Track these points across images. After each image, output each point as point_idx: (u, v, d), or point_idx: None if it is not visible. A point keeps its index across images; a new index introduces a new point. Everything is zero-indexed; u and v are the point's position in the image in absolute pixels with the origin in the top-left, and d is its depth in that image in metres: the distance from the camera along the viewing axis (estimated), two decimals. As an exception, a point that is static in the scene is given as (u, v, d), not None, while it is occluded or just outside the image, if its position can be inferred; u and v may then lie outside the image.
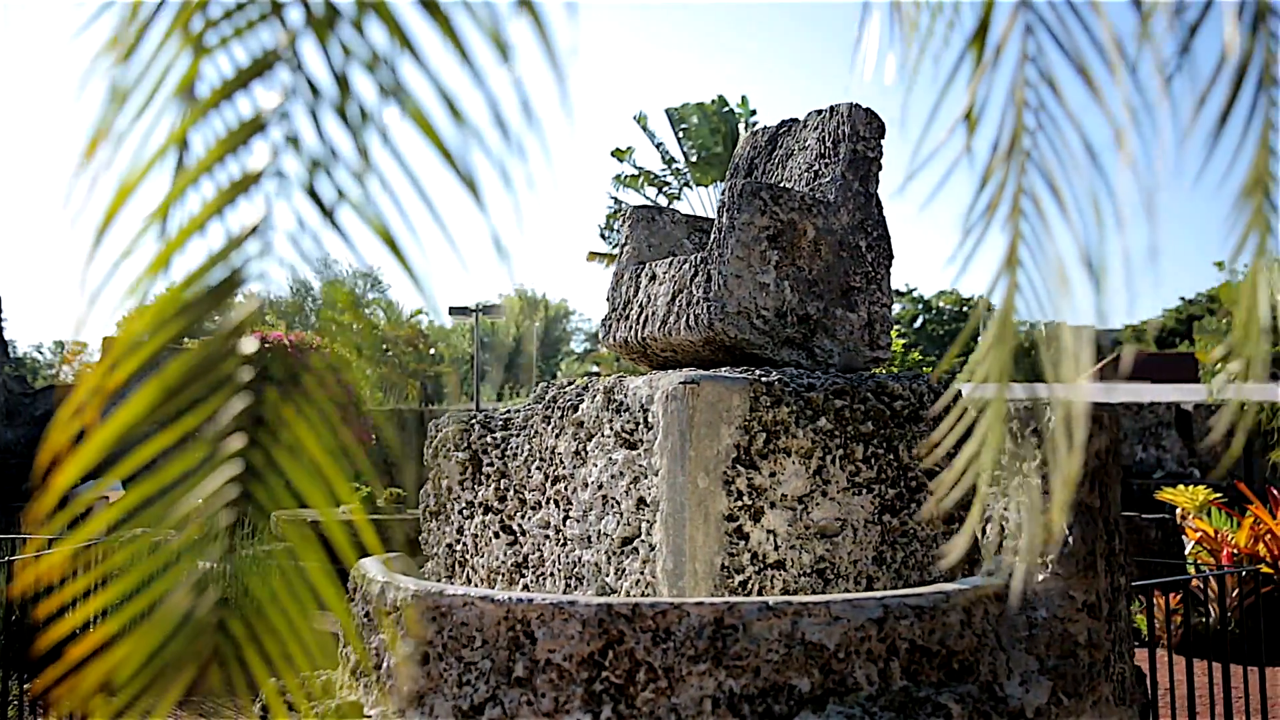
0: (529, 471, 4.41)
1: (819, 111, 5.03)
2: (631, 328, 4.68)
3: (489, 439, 4.61)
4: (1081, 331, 0.90)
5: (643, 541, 3.83)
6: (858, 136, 4.77)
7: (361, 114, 0.90)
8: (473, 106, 0.82)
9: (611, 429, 4.01)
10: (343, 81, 0.90)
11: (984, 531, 3.08)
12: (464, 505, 4.69)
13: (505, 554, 4.47)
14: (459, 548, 4.70)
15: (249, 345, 0.92)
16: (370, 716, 2.88)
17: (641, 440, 3.88)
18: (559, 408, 4.32)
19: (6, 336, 16.74)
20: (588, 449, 4.14)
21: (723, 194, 4.49)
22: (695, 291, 4.39)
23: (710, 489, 3.70)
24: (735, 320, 4.25)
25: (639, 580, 3.83)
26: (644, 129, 22.14)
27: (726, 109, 22.19)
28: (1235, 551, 8.50)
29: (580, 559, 4.11)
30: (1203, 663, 6.55)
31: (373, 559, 3.50)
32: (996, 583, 2.96)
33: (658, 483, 3.74)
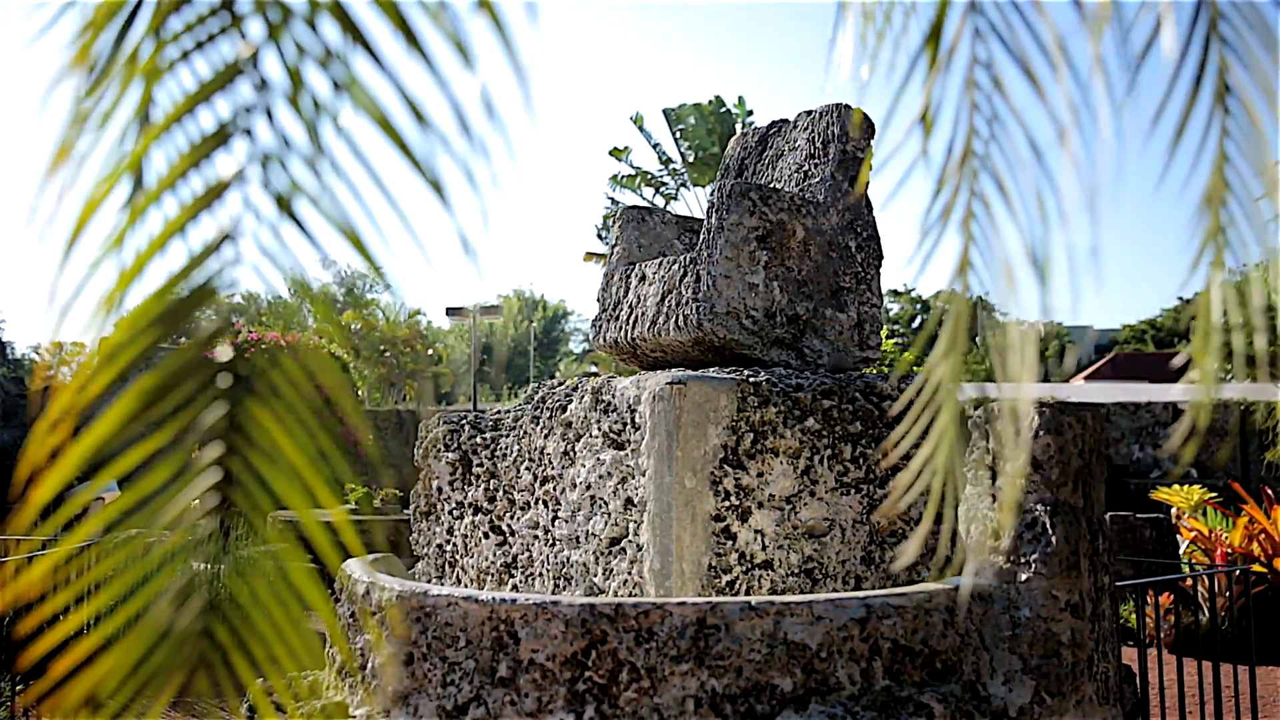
0: (518, 472, 4.41)
1: (809, 112, 5.04)
2: (621, 328, 4.68)
3: (479, 439, 4.62)
4: (1027, 328, 0.91)
5: (630, 542, 3.84)
6: (847, 137, 4.78)
7: (317, 108, 0.90)
8: (436, 107, 0.83)
9: (599, 429, 4.01)
10: (295, 76, 0.91)
11: (967, 531, 3.09)
12: (454, 506, 4.70)
13: (495, 554, 4.48)
14: (449, 548, 4.71)
15: (224, 352, 0.93)
16: (355, 717, 2.88)
17: (629, 441, 3.89)
18: (548, 408, 4.32)
19: (5, 338, 16.76)
20: (576, 449, 4.15)
21: (711, 194, 4.50)
22: (684, 292, 4.40)
23: (697, 489, 3.70)
24: (724, 321, 4.26)
25: (627, 580, 3.83)
26: (641, 129, 22.16)
27: (724, 109, 22.21)
28: (1229, 551, 8.51)
29: (569, 559, 4.12)
30: (1198, 662, 6.57)
31: (358, 560, 3.51)
32: (980, 582, 2.96)
33: (645, 483, 3.74)
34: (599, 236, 23.77)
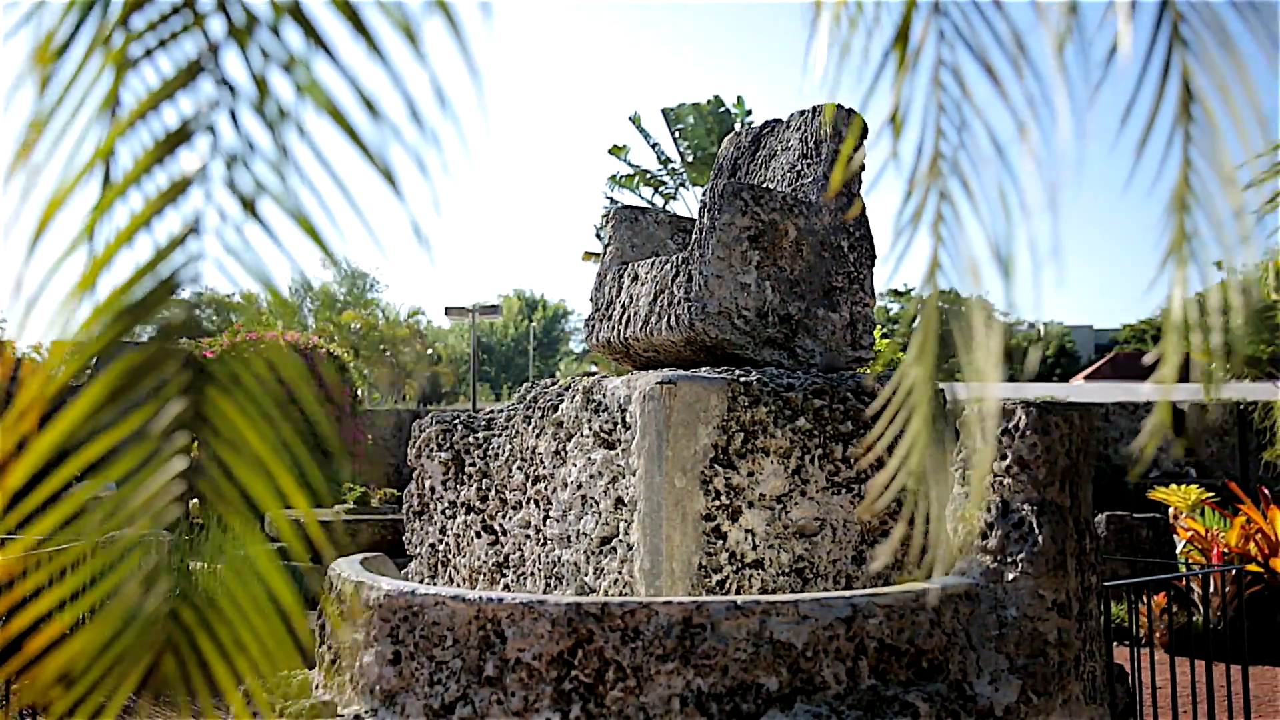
0: (510, 471, 4.42)
1: (802, 112, 5.04)
2: (614, 328, 4.69)
3: (471, 439, 4.62)
4: (992, 320, 0.91)
5: (621, 541, 3.84)
6: (840, 137, 4.78)
7: (281, 113, 0.91)
8: (390, 101, 0.84)
9: (590, 429, 4.02)
10: (260, 82, 0.91)
11: (955, 531, 3.09)
12: (446, 505, 4.70)
13: (487, 554, 4.48)
14: (441, 548, 4.71)
15: (187, 345, 0.94)
16: (343, 716, 2.89)
17: (620, 440, 3.89)
18: (539, 408, 4.33)
19: (3, 338, 16.74)
20: (567, 449, 4.15)
21: (704, 194, 4.50)
22: (676, 292, 4.40)
23: (687, 489, 3.71)
24: (716, 320, 4.26)
25: (617, 580, 3.84)
26: (639, 129, 22.16)
27: (722, 109, 22.21)
28: (1226, 550, 8.51)
29: (560, 558, 4.12)
30: (1197, 662, 6.57)
31: (348, 559, 3.52)
32: (967, 582, 2.97)
33: (635, 483, 3.75)
34: (597, 236, 23.77)
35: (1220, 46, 0.81)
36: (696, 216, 4.54)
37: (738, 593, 3.78)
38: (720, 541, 3.78)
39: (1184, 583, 7.73)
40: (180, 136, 0.82)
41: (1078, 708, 2.94)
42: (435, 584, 4.64)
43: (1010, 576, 2.93)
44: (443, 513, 4.71)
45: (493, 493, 4.50)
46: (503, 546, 4.43)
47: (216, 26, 0.95)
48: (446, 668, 2.80)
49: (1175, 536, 9.35)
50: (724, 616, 2.67)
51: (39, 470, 0.94)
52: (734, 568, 3.79)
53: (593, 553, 3.95)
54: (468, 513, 4.59)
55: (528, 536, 4.31)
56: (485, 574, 4.47)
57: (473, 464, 4.59)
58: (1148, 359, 1.25)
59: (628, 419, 3.86)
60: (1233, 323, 0.80)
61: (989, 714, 2.79)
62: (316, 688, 3.21)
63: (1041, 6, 0.82)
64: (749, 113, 22.32)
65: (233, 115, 0.84)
